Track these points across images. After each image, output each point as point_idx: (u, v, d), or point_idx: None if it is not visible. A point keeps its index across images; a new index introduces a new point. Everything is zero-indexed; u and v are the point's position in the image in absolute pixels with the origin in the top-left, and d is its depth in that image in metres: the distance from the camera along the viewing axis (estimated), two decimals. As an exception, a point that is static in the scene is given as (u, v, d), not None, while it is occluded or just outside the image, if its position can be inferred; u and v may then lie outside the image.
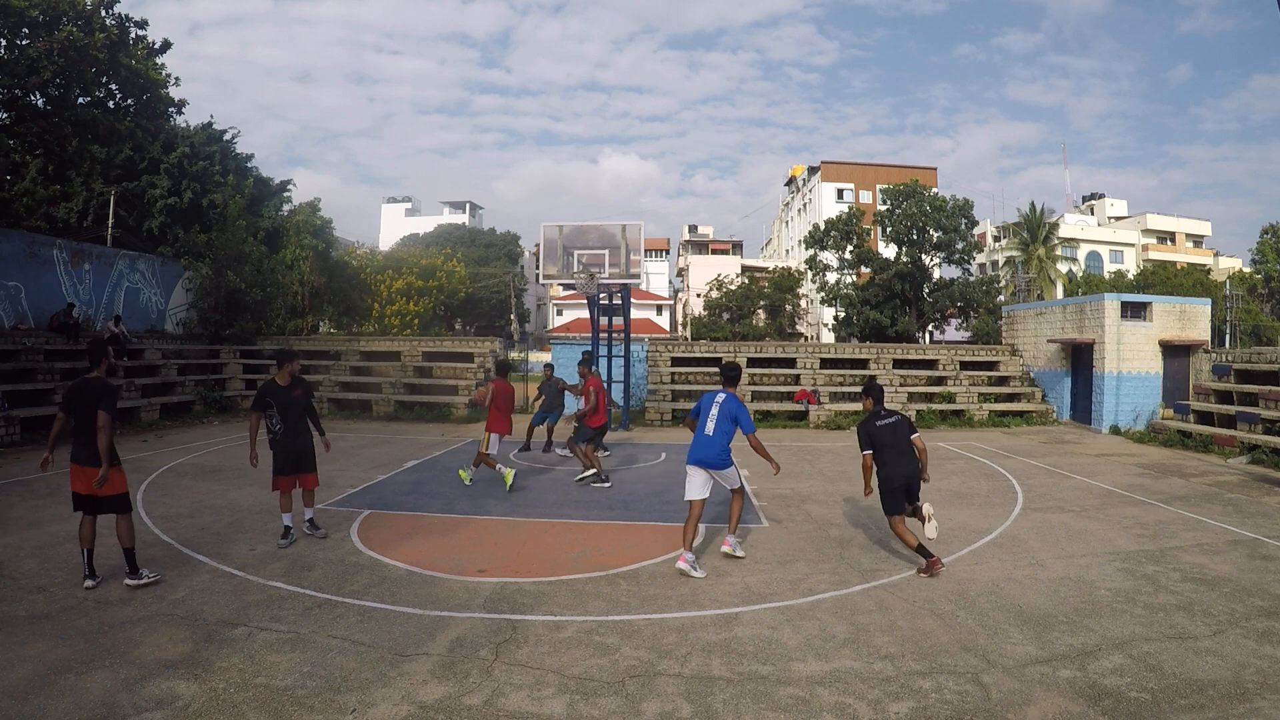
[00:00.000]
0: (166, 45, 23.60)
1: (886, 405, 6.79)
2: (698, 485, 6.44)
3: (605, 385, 11.46)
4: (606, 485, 9.81)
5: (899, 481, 6.31)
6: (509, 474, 9.35)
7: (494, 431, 9.46)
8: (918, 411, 17.73)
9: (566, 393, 13.10)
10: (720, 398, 6.65)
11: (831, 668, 4.39)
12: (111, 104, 22.71)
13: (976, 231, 39.27)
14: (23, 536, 6.94)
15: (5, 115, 20.65)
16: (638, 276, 16.58)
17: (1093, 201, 67.98)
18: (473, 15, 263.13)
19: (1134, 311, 16.74)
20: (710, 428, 6.51)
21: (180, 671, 4.21)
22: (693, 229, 78.41)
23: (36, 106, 20.77)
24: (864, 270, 35.56)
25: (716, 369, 19.32)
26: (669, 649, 4.64)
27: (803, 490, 9.71)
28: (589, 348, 14.25)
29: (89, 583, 5.52)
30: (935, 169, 55.09)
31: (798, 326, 49.30)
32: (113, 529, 5.70)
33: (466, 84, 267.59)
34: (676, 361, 20.06)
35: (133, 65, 21.07)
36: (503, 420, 9.55)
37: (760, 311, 46.48)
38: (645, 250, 27.42)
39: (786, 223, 70.83)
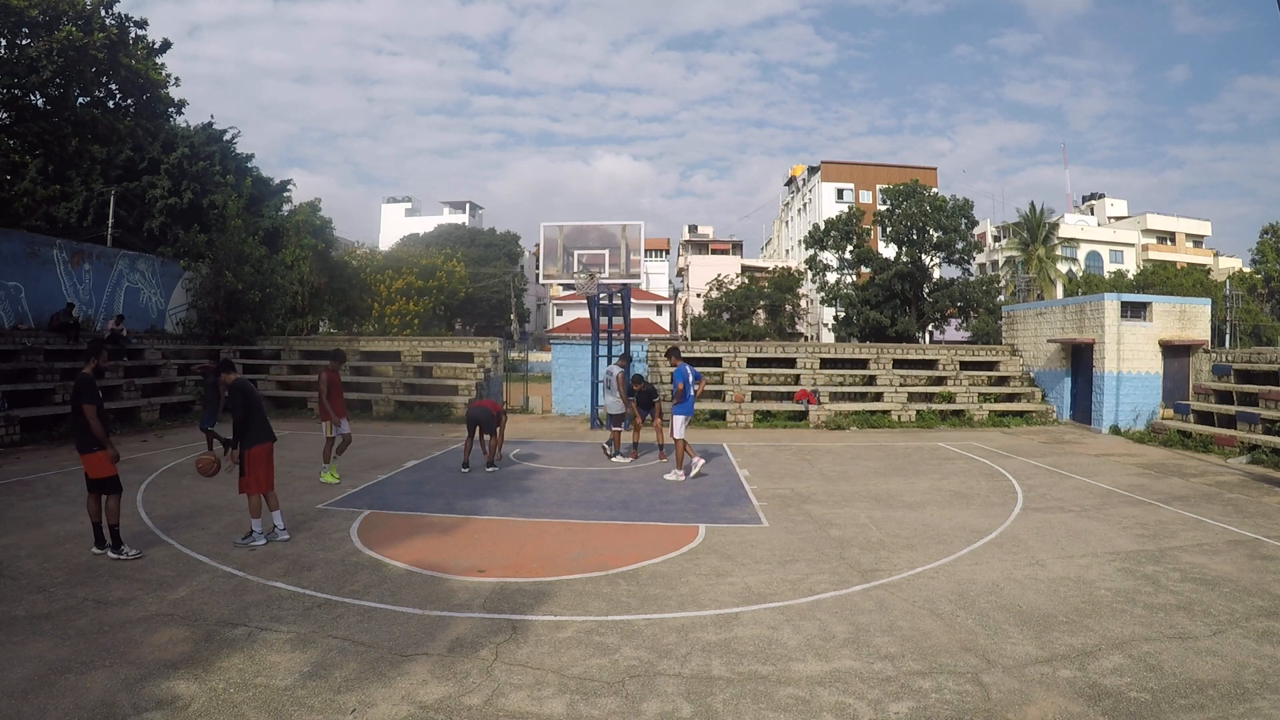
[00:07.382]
0: (166, 45, 23.53)
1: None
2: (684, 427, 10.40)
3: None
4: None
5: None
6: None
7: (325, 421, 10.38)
8: (918, 411, 17.71)
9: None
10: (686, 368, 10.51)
11: (831, 668, 4.39)
12: (111, 104, 22.65)
13: (976, 231, 39.28)
14: (23, 536, 6.95)
15: (5, 115, 20.62)
16: (638, 276, 16.62)
17: (1092, 201, 67.99)
18: (471, 17, 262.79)
19: (1134, 311, 16.72)
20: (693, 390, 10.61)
21: (180, 671, 4.21)
22: (692, 229, 78.40)
23: (36, 106, 20.71)
24: (864, 270, 35.58)
25: (716, 368, 19.55)
26: (669, 649, 4.64)
27: (803, 490, 9.71)
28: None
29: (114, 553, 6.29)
30: (935, 169, 55.11)
31: (798, 326, 49.29)
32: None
33: (465, 85, 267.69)
34: (676, 361, 20.04)
35: (132, 65, 21.01)
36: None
37: (760, 311, 46.48)
38: (645, 250, 27.43)
39: (786, 223, 70.82)
